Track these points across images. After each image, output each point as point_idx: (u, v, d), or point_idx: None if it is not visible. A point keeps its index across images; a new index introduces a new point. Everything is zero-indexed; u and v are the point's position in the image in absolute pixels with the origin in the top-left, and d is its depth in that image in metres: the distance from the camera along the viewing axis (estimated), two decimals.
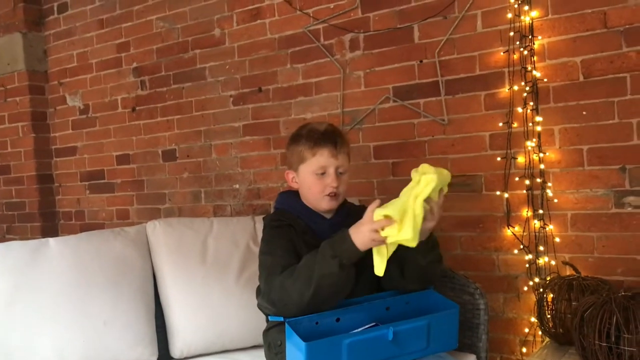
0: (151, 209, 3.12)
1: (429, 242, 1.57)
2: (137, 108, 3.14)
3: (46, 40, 3.52)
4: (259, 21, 2.71)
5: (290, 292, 1.52)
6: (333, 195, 1.70)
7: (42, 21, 3.52)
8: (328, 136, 1.69)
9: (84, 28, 3.34)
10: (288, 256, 1.62)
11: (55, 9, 3.46)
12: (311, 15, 2.56)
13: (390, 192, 2.39)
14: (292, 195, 1.79)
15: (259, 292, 1.66)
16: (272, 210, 1.96)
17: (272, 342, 1.66)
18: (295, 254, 1.64)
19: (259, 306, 1.67)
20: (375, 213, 1.43)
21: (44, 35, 3.52)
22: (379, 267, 1.46)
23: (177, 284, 2.05)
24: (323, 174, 1.69)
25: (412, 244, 1.39)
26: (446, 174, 1.49)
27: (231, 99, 2.82)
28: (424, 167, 1.48)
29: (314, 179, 1.69)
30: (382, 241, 1.43)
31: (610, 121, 1.97)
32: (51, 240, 1.97)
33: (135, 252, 2.07)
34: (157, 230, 2.12)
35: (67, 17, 3.42)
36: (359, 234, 1.47)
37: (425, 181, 1.43)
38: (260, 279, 1.65)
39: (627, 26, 1.94)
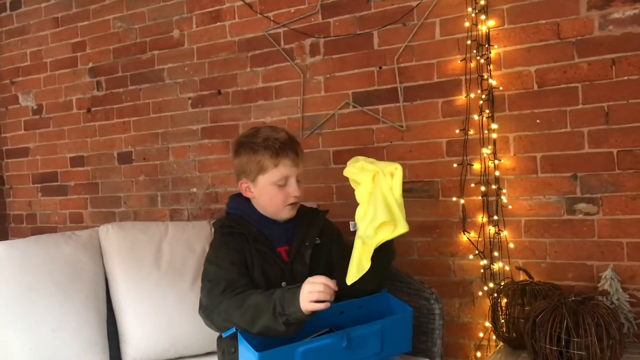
0: (106, 212, 3.05)
1: None
2: (93, 109, 3.07)
3: None
4: (218, 23, 2.69)
5: (235, 323, 1.48)
6: (294, 204, 1.68)
7: None
8: (289, 145, 1.65)
9: (38, 26, 3.25)
10: (234, 270, 1.58)
11: (7, 5, 3.36)
12: (272, 19, 2.55)
13: (348, 197, 2.39)
14: (244, 199, 1.75)
15: (201, 305, 1.60)
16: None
17: (226, 349, 1.64)
18: (244, 266, 1.61)
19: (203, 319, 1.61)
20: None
21: None
22: (351, 278, 1.45)
23: (130, 290, 2.01)
24: (284, 184, 1.65)
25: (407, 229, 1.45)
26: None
27: (190, 101, 2.78)
28: (359, 160, 1.53)
29: (276, 190, 1.65)
30: (323, 307, 1.37)
31: (563, 130, 2.02)
32: None
33: (86, 256, 2.01)
34: (109, 235, 2.07)
35: (21, 15, 3.32)
36: (302, 298, 1.39)
37: (390, 171, 1.49)
38: (202, 290, 1.61)
39: (578, 37, 1.99)
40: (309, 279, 1.41)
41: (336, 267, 1.75)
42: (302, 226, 1.71)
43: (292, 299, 1.40)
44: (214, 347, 1.79)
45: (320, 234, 1.75)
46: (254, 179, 1.67)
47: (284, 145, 1.64)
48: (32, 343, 1.81)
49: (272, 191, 1.65)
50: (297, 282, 1.64)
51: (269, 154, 1.63)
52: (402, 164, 2.21)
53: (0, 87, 3.41)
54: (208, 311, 1.55)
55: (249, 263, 1.64)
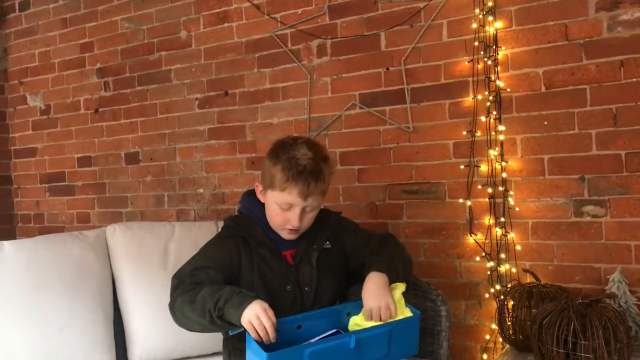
0: (113, 212, 3.06)
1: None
2: (100, 109, 3.08)
3: (7, 38, 3.43)
4: (226, 24, 2.69)
5: (193, 320, 1.49)
6: (293, 230, 1.61)
7: (2, 19, 3.43)
8: (304, 175, 1.54)
9: (47, 27, 3.27)
10: (211, 263, 1.58)
11: (16, 6, 3.38)
12: (279, 20, 2.55)
13: (355, 199, 2.40)
14: (257, 200, 1.72)
15: None
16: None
17: (232, 350, 1.64)
18: (224, 271, 1.59)
19: None
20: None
21: (4, 33, 3.43)
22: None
23: (137, 289, 2.02)
24: (287, 209, 1.58)
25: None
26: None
27: (197, 102, 2.78)
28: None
29: (278, 210, 1.59)
30: (253, 336, 1.38)
31: (571, 131, 2.01)
32: (6, 244, 1.91)
33: (94, 256, 2.02)
34: (116, 235, 2.08)
35: (29, 15, 3.34)
36: (249, 310, 1.38)
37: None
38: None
39: (586, 39, 1.98)
40: (269, 308, 1.39)
41: (349, 256, 1.74)
42: (311, 230, 1.68)
43: (238, 303, 1.39)
44: (219, 347, 1.79)
45: (331, 237, 1.70)
46: (265, 189, 1.64)
47: (298, 174, 1.54)
48: (39, 342, 1.82)
49: (274, 209, 1.61)
50: (303, 286, 1.63)
51: (281, 175, 1.55)
52: (408, 166, 2.27)
53: (8, 88, 3.44)
54: (170, 311, 1.56)
55: (246, 266, 1.61)
